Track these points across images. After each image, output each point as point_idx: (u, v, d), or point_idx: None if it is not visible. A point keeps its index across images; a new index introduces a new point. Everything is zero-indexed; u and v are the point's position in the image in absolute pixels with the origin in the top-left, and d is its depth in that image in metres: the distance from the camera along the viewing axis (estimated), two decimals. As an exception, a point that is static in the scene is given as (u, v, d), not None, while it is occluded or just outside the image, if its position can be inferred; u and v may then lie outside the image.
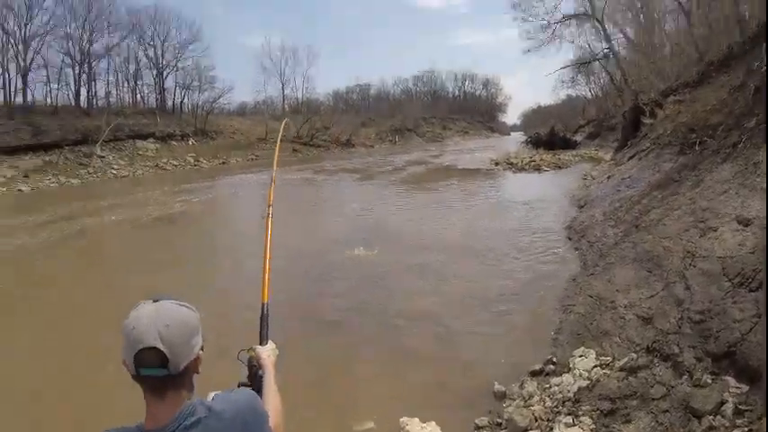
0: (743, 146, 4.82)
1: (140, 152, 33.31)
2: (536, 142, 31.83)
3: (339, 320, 5.57)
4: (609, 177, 11.46)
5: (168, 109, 40.82)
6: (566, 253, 7.45)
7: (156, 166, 32.05)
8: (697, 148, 6.55)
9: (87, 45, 35.03)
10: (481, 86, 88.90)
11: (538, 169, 21.26)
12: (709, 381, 2.96)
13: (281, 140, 3.51)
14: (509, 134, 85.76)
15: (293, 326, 5.12)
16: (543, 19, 23.11)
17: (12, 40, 30.86)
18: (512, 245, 8.33)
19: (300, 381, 3.94)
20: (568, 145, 29.55)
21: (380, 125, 58.72)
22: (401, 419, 3.32)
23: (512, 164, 23.22)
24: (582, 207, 10.31)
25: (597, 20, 20.99)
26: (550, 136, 31.10)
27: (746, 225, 3.82)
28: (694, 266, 4.07)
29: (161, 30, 40.56)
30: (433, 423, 3.29)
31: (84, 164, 29.28)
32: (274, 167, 2.49)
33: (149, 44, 40.26)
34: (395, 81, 77.65)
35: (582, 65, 25.96)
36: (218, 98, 43.63)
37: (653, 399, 3.10)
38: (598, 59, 24.08)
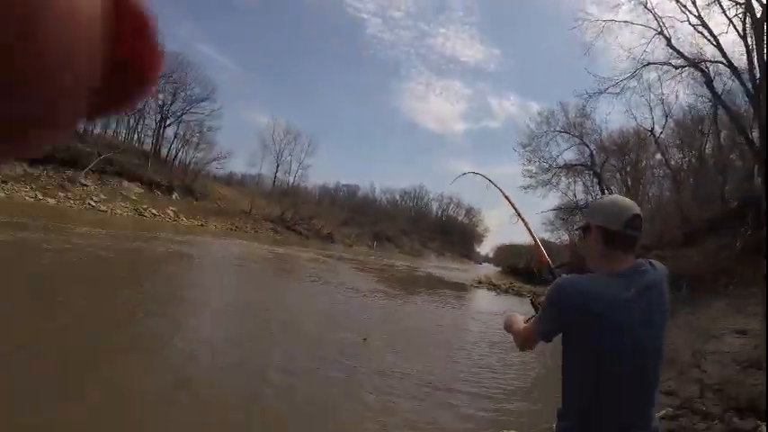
0: (732, 287, 6.72)
1: (123, 192, 33.16)
2: (512, 272, 35.80)
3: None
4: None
5: (161, 157, 41.07)
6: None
7: (136, 210, 31.76)
8: (685, 290, 8.52)
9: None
10: (464, 213, 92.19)
11: (519, 295, 23.30)
12: (738, 421, 4.32)
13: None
14: (480, 263, 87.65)
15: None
16: (547, 162, 25.60)
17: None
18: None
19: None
20: (542, 280, 32.59)
21: (361, 227, 61.08)
22: None
23: (495, 285, 25.42)
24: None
25: (596, 172, 24.03)
26: (526, 269, 34.37)
27: (744, 334, 5.48)
28: (705, 359, 5.62)
29: (177, 77, 39.46)
30: None
31: (65, 187, 28.86)
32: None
33: (161, 88, 39.56)
34: (383, 189, 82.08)
35: (569, 210, 28.15)
36: (213, 161, 44.52)
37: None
38: (583, 209, 26.64)
